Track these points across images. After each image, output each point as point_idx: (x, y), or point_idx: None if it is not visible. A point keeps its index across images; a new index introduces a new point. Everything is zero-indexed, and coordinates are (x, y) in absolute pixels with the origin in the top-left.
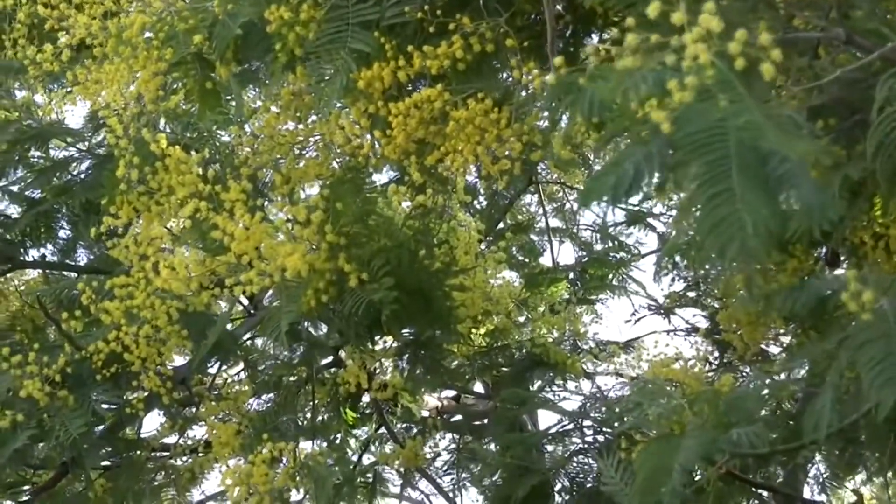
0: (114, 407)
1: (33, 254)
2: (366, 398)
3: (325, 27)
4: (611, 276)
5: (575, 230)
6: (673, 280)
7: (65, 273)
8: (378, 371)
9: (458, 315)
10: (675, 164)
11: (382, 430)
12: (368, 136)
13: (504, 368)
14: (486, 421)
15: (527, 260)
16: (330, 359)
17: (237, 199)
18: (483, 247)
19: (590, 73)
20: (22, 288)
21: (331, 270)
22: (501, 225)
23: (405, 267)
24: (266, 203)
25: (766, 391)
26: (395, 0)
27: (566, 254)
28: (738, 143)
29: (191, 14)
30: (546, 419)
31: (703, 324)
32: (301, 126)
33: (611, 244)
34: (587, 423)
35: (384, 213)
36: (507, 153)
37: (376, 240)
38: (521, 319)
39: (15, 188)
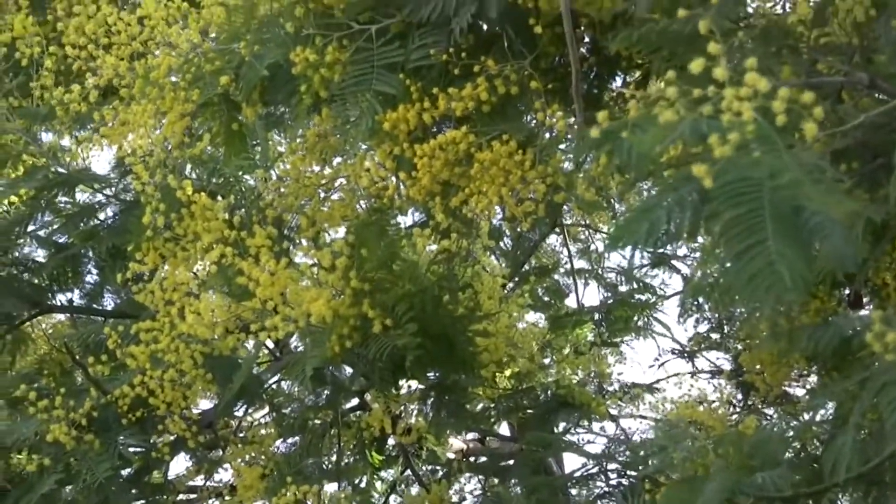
0: (140, 451)
1: (60, 298)
2: (391, 440)
3: (351, 69)
4: (636, 317)
5: (600, 272)
6: (697, 322)
7: (92, 317)
8: (403, 415)
9: (482, 360)
10: (709, 214)
11: (408, 472)
12: (393, 178)
13: (529, 410)
14: (511, 463)
15: (552, 301)
16: (355, 402)
17: (262, 244)
18: (509, 287)
19: (631, 124)
20: (49, 331)
21: (355, 316)
22: (526, 267)
23: (429, 312)
24: (291, 247)
25: (789, 433)
26: (420, 43)
27: (591, 295)
28: (774, 197)
29: (217, 55)
30: (571, 461)
31: (727, 366)
32: (326, 168)
33: (635, 286)
34: (612, 466)
35: (408, 258)
36: (531, 195)
37: (400, 285)
38: (546, 361)
39: (42, 232)
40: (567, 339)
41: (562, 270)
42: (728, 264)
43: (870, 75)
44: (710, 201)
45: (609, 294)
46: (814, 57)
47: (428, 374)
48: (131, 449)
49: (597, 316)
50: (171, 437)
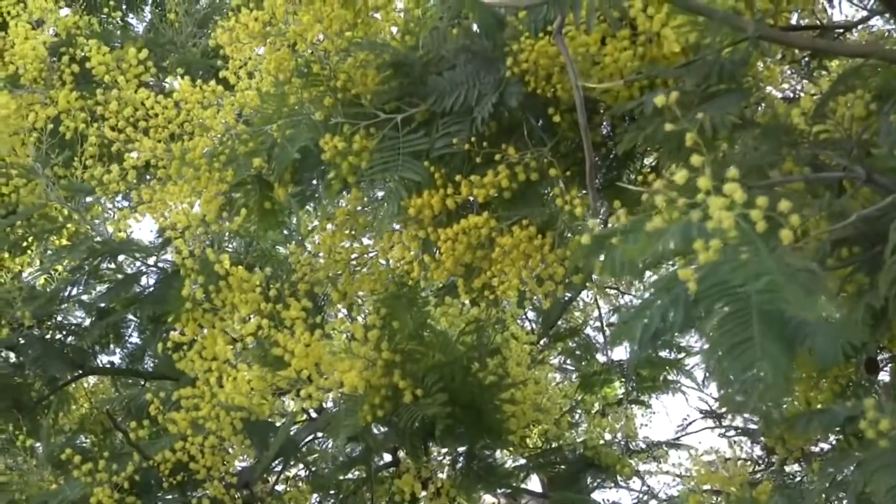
0: None
1: (102, 359)
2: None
3: (377, 156)
4: (663, 374)
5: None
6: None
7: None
8: (433, 478)
9: (509, 427)
10: (700, 313)
11: None
12: (419, 259)
13: (558, 467)
14: None
15: (584, 356)
16: (388, 458)
17: (297, 316)
18: (542, 343)
19: (621, 232)
20: (91, 390)
21: (386, 386)
22: (560, 322)
23: (458, 382)
24: (325, 318)
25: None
26: (443, 131)
27: (619, 350)
28: (758, 299)
29: (251, 138)
30: None
31: (753, 425)
32: (356, 244)
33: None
34: None
35: (438, 329)
36: (550, 276)
37: (430, 356)
38: (576, 418)
39: (85, 297)
40: (596, 396)
41: (593, 325)
42: (718, 361)
43: (867, 169)
44: (700, 301)
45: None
46: (815, 151)
47: (457, 441)
48: None
49: (625, 372)
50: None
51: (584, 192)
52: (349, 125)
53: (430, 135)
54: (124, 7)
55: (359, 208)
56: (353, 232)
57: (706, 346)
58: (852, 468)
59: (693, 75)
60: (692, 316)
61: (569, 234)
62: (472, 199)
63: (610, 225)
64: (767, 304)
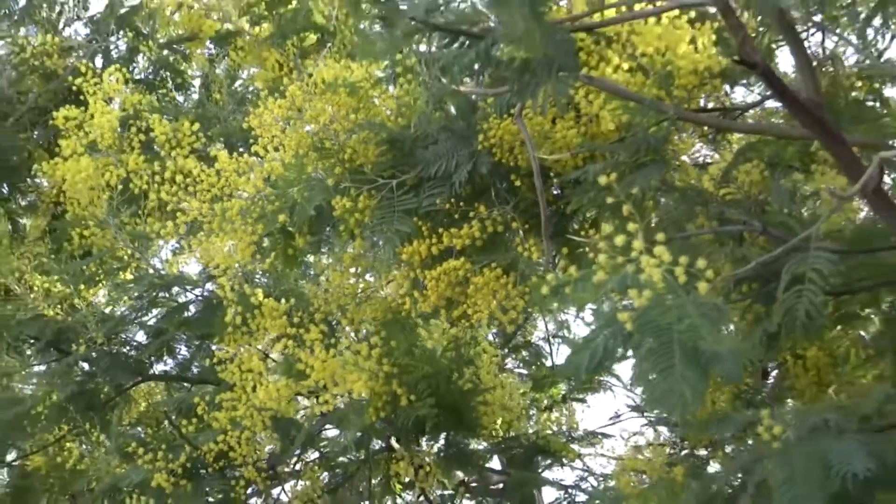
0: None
1: (158, 368)
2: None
3: (377, 213)
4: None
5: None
6: None
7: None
8: (423, 464)
9: (483, 422)
10: (634, 345)
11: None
12: (411, 293)
13: (517, 450)
14: (500, 486)
15: (532, 361)
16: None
17: (315, 338)
18: (503, 352)
19: (573, 282)
20: (148, 393)
21: (386, 393)
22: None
23: (443, 389)
24: (337, 339)
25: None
26: (428, 193)
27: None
28: (680, 336)
29: (277, 199)
30: (548, 492)
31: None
32: (361, 281)
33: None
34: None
35: (426, 347)
36: (513, 306)
37: (420, 368)
38: (531, 412)
39: (145, 320)
40: (545, 395)
41: (542, 338)
42: (648, 382)
43: (762, 223)
44: (635, 336)
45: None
46: (721, 209)
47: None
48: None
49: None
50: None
51: (539, 240)
52: (355, 188)
53: (418, 196)
54: (176, 87)
55: (363, 253)
56: (357, 271)
57: (639, 372)
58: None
59: (625, 149)
60: (627, 346)
61: (527, 274)
62: (451, 246)
63: (559, 268)
64: (687, 341)
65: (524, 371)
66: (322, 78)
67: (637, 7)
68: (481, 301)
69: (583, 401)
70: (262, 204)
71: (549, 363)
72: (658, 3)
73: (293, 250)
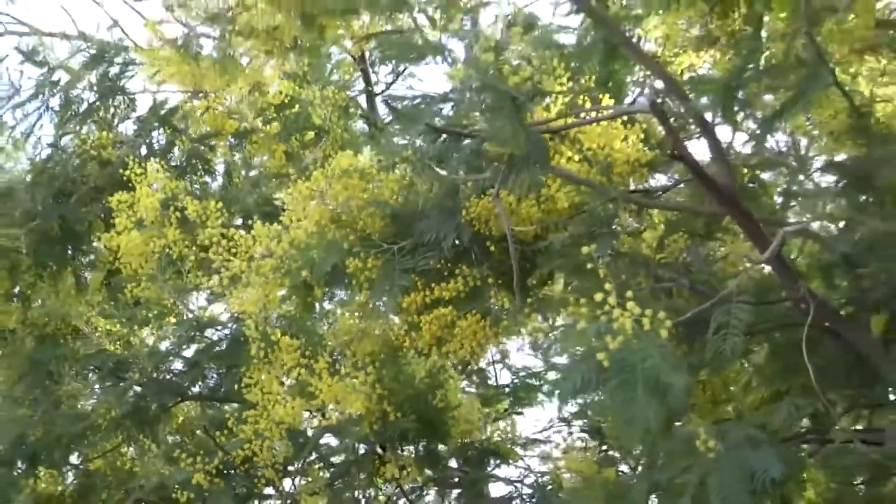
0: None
1: (194, 390)
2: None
3: (382, 271)
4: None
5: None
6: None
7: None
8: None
9: (452, 433)
10: (606, 378)
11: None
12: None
13: (472, 452)
14: (457, 481)
15: (482, 383)
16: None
17: (323, 367)
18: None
19: (561, 330)
20: (187, 412)
21: (378, 410)
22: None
23: (422, 408)
24: (340, 369)
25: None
26: (423, 255)
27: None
28: (644, 373)
29: (299, 258)
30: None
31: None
32: (362, 323)
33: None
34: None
35: (409, 375)
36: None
37: (405, 391)
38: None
39: (185, 354)
40: (493, 409)
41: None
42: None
43: (689, 282)
44: (608, 371)
45: (516, 379)
46: (657, 270)
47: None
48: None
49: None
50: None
51: (509, 292)
52: (364, 252)
53: (414, 258)
54: (205, 173)
55: (369, 302)
56: (361, 315)
57: (608, 400)
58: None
59: (578, 225)
60: (601, 379)
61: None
62: (441, 297)
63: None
64: (650, 376)
65: (474, 390)
66: (339, 165)
67: (594, 113)
68: (465, 341)
69: (521, 413)
70: (289, 263)
71: (494, 383)
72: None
73: (312, 299)
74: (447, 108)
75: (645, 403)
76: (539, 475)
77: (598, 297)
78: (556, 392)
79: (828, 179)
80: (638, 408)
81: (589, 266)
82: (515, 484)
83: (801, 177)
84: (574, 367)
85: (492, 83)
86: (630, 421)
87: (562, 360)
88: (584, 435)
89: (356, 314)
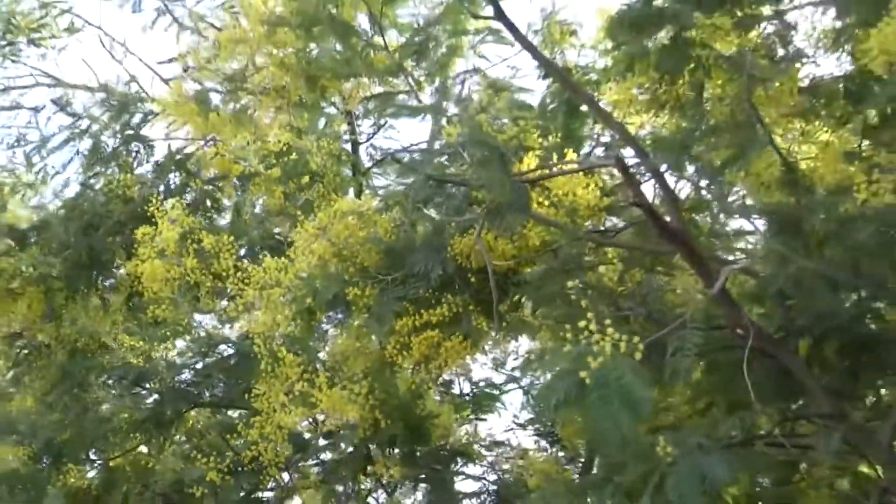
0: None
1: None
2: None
3: (378, 298)
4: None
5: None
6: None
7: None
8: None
9: (432, 437)
10: (585, 393)
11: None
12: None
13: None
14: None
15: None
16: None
17: (323, 381)
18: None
19: (549, 352)
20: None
21: (371, 418)
22: None
23: (408, 416)
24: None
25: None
26: (413, 285)
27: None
28: (619, 388)
29: (305, 287)
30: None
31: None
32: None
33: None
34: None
35: (399, 387)
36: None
37: (394, 401)
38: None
39: (198, 366)
40: (459, 415)
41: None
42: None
43: (647, 310)
44: (587, 387)
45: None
46: (619, 302)
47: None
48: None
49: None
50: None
51: (488, 318)
52: (362, 282)
53: (405, 287)
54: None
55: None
56: (360, 338)
57: (588, 412)
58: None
59: (549, 260)
60: (581, 392)
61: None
62: (429, 321)
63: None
64: (623, 390)
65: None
66: (340, 208)
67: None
68: (450, 358)
69: (483, 419)
70: (295, 292)
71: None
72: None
73: (314, 322)
74: (441, 159)
75: (621, 414)
76: (501, 473)
77: (582, 324)
78: (543, 399)
79: (760, 223)
80: (615, 418)
81: (570, 297)
82: (482, 480)
83: (729, 219)
84: (556, 383)
85: (484, 140)
86: (608, 429)
87: (535, 376)
88: (538, 438)
89: (352, 335)
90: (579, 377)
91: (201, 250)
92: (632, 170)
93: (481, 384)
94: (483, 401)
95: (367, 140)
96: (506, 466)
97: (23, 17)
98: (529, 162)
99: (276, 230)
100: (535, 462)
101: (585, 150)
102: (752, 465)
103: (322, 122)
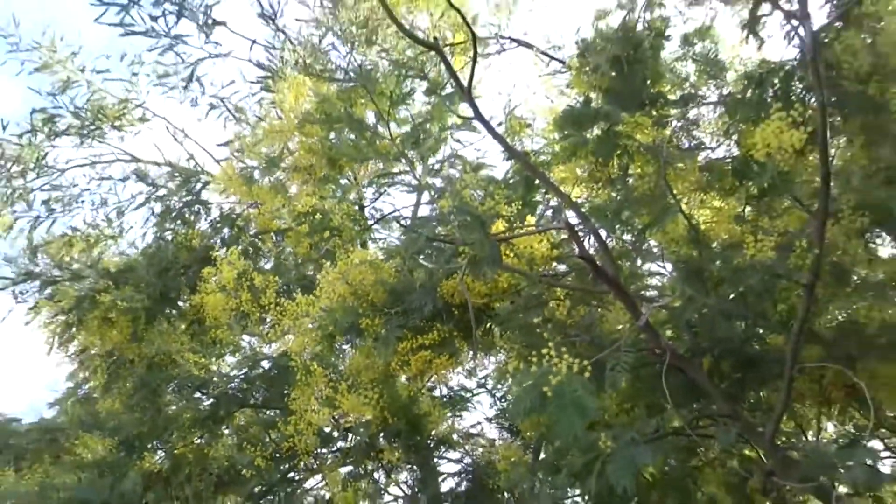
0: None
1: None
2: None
3: (384, 327)
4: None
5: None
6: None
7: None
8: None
9: (428, 432)
10: (547, 402)
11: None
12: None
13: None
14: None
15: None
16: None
17: (344, 388)
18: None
19: (519, 373)
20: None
21: (380, 417)
22: None
23: (409, 416)
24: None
25: None
26: (411, 317)
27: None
28: (573, 400)
29: (328, 317)
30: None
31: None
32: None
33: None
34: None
35: (402, 393)
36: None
37: (398, 404)
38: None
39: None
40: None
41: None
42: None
43: (590, 336)
44: (549, 398)
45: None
46: (567, 330)
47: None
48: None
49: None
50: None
51: (468, 341)
52: (371, 314)
53: (406, 318)
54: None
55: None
56: (370, 358)
57: (550, 417)
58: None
59: (513, 298)
60: (543, 403)
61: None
62: (423, 343)
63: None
64: (576, 401)
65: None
66: (356, 258)
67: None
68: (438, 372)
69: (459, 416)
70: (320, 321)
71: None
72: (530, 226)
73: (335, 344)
74: (434, 223)
75: (574, 418)
76: (475, 458)
77: (545, 351)
78: (513, 410)
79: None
80: (570, 421)
81: (533, 328)
82: (460, 463)
83: (646, 264)
84: (525, 395)
85: (468, 210)
86: (563, 430)
87: (505, 387)
88: (501, 430)
89: (364, 354)
90: (542, 391)
91: (253, 287)
92: (576, 229)
93: (457, 389)
94: (459, 402)
95: (371, 203)
96: (478, 452)
97: (107, 109)
98: (499, 226)
99: (310, 272)
100: (501, 449)
101: (540, 212)
102: (666, 451)
103: (340, 190)
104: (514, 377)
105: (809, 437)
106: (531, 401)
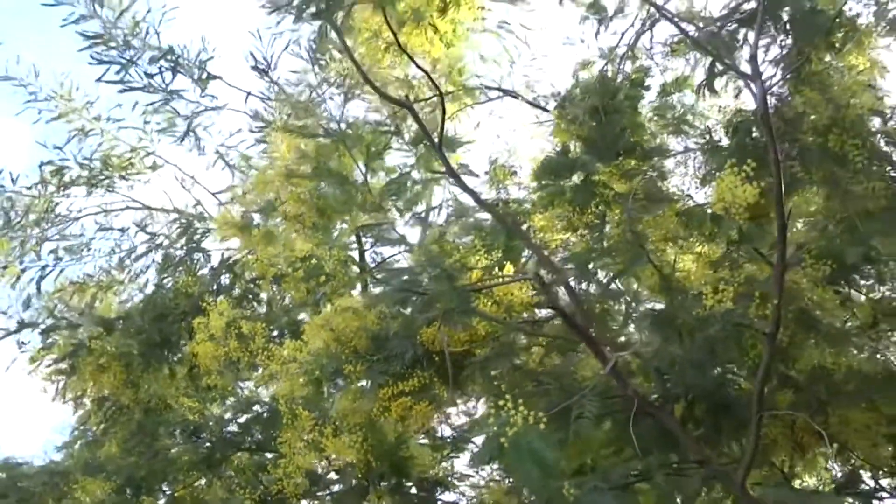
0: None
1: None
2: None
3: (366, 373)
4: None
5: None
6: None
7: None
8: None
9: (415, 472)
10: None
11: None
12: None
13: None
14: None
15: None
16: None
17: (330, 432)
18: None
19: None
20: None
21: (363, 461)
22: None
23: (395, 456)
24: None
25: None
26: (392, 364)
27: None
28: (529, 446)
29: (314, 362)
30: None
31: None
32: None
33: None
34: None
35: (384, 432)
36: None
37: (382, 446)
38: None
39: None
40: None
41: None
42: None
43: (560, 384)
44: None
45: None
46: (540, 378)
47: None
48: None
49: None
50: None
51: (447, 387)
52: (355, 360)
53: (387, 364)
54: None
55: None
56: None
57: (508, 466)
58: None
59: (491, 344)
60: (507, 453)
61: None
62: (404, 389)
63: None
64: (533, 452)
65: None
66: (340, 305)
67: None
68: (420, 419)
69: (457, 457)
70: (306, 366)
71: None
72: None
73: (322, 388)
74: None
75: (532, 470)
76: (470, 499)
77: (501, 402)
78: (484, 456)
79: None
80: (527, 473)
81: (496, 381)
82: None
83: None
84: (486, 445)
85: (436, 262)
86: (523, 479)
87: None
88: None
89: (349, 398)
90: (500, 441)
91: (241, 335)
92: (544, 280)
93: (456, 430)
94: (457, 443)
95: (371, 247)
96: (472, 494)
97: (115, 158)
98: (476, 275)
99: (300, 317)
100: (488, 492)
101: (525, 257)
102: (632, 500)
103: (334, 235)
104: (480, 426)
105: (795, 485)
106: (490, 452)
